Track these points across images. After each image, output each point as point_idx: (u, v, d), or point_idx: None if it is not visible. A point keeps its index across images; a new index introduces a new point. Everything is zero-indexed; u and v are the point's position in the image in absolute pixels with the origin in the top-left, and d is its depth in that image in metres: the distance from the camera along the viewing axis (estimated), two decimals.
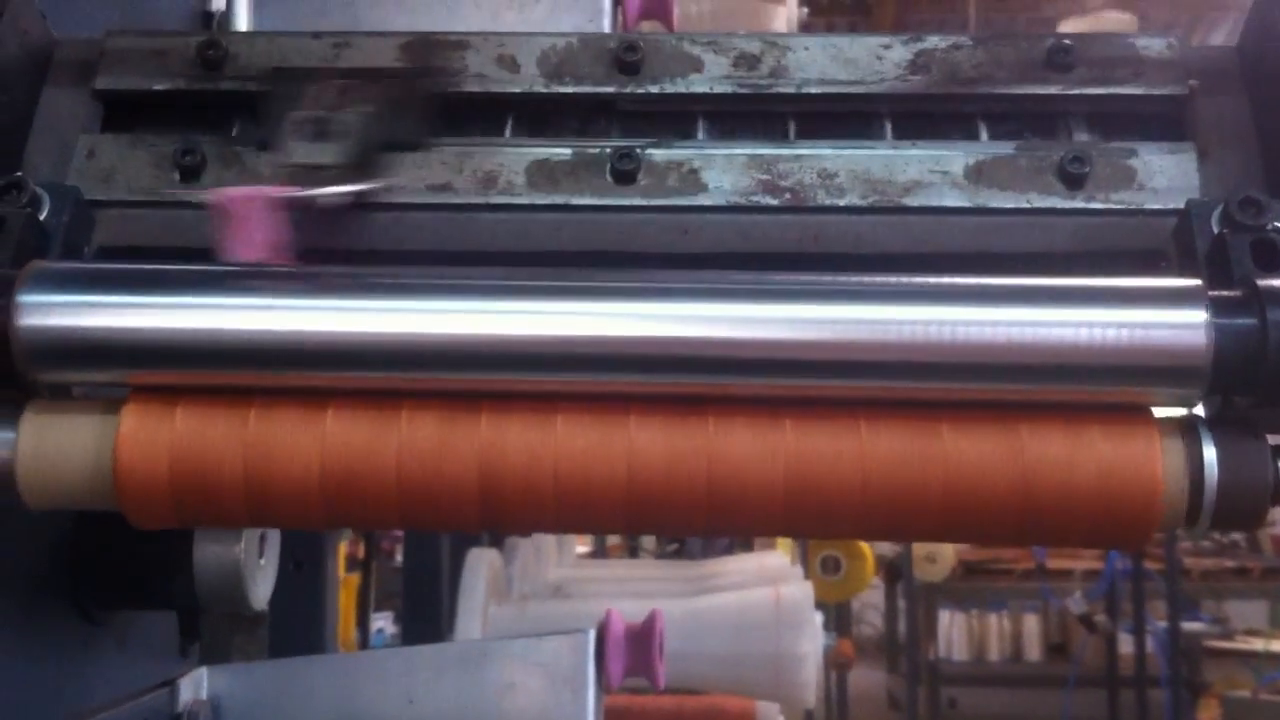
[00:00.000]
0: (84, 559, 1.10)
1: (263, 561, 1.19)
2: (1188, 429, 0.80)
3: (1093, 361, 0.76)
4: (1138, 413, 0.81)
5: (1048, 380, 0.78)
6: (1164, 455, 0.79)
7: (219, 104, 0.98)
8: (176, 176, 0.93)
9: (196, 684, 1.26)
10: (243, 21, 1.30)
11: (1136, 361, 0.76)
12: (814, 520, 0.81)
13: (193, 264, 0.84)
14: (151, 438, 0.80)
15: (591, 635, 1.32)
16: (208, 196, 0.85)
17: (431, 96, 0.95)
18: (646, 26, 1.68)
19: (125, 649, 1.18)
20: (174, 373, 0.81)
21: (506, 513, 0.81)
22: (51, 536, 1.08)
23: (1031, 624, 8.19)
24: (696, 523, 0.82)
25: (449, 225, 0.92)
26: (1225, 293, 0.78)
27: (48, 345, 0.79)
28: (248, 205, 0.83)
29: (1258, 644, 6.87)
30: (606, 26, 1.38)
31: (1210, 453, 0.79)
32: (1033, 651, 8.20)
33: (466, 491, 0.80)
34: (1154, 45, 0.96)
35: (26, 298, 0.79)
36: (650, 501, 0.81)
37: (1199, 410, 0.83)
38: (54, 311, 0.79)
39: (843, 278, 0.82)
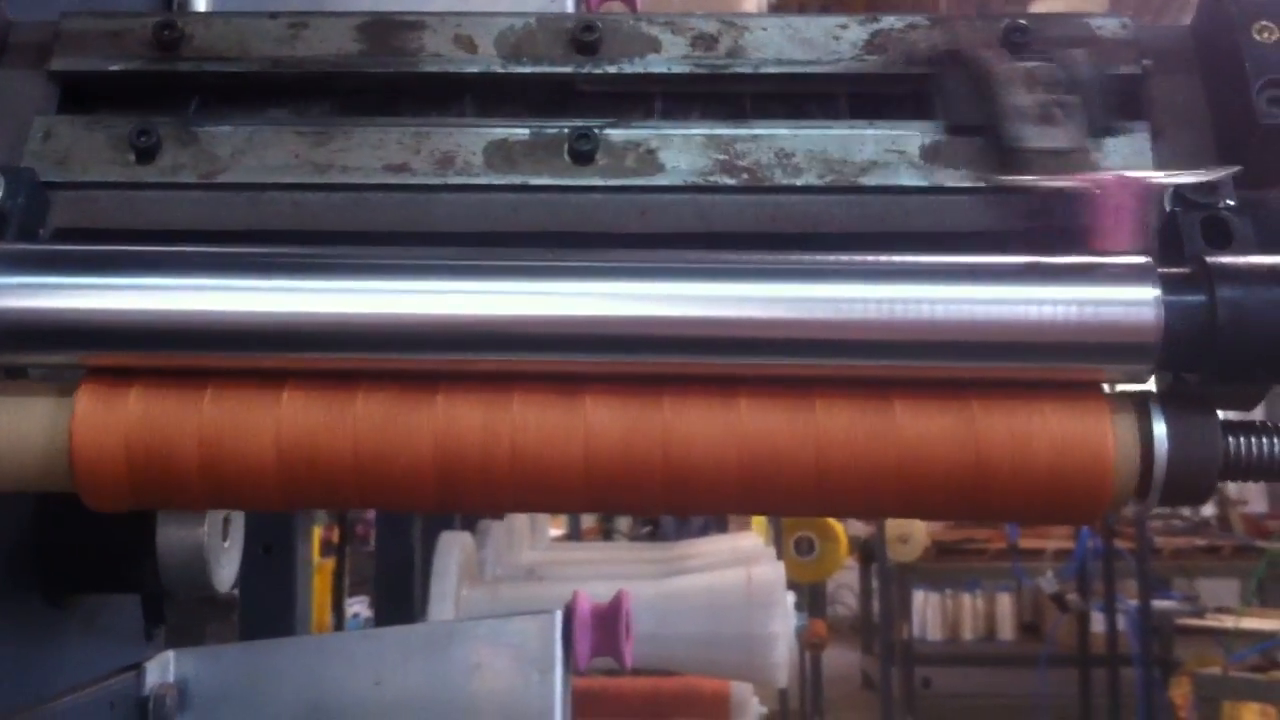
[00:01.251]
0: (47, 542, 1.09)
1: (227, 544, 1.19)
2: (1139, 405, 0.81)
3: (1043, 338, 0.77)
4: (1088, 389, 0.82)
5: (999, 357, 0.79)
6: (1114, 431, 0.79)
7: (176, 85, 0.97)
8: (132, 158, 0.92)
9: (163, 667, 1.26)
10: (201, 2, 1.29)
11: (1087, 338, 0.77)
12: (769, 497, 0.82)
13: (149, 246, 0.84)
14: (107, 419, 0.80)
15: (559, 616, 1.32)
16: (1077, 183, 0.84)
17: (1113, 79, 0.93)
18: (617, 8, 1.68)
19: (91, 633, 1.18)
20: (130, 354, 0.81)
21: (463, 492, 0.82)
22: (14, 520, 1.07)
23: (1005, 603, 8.25)
24: (654, 501, 0.83)
25: (406, 206, 0.92)
26: (1174, 269, 0.78)
27: (2, 327, 0.79)
28: (1126, 191, 0.82)
29: (1229, 622, 6.91)
30: (570, 7, 1.38)
31: (1160, 428, 0.80)
32: (1006, 631, 8.26)
33: (422, 471, 0.81)
34: (1109, 25, 0.96)
35: None
36: (607, 480, 0.81)
37: (1151, 386, 0.84)
38: (8, 293, 0.79)
39: (799, 257, 0.82)
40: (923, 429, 0.80)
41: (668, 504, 0.83)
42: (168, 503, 0.83)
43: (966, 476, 0.79)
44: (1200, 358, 0.77)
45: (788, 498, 0.82)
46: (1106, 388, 0.83)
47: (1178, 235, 0.82)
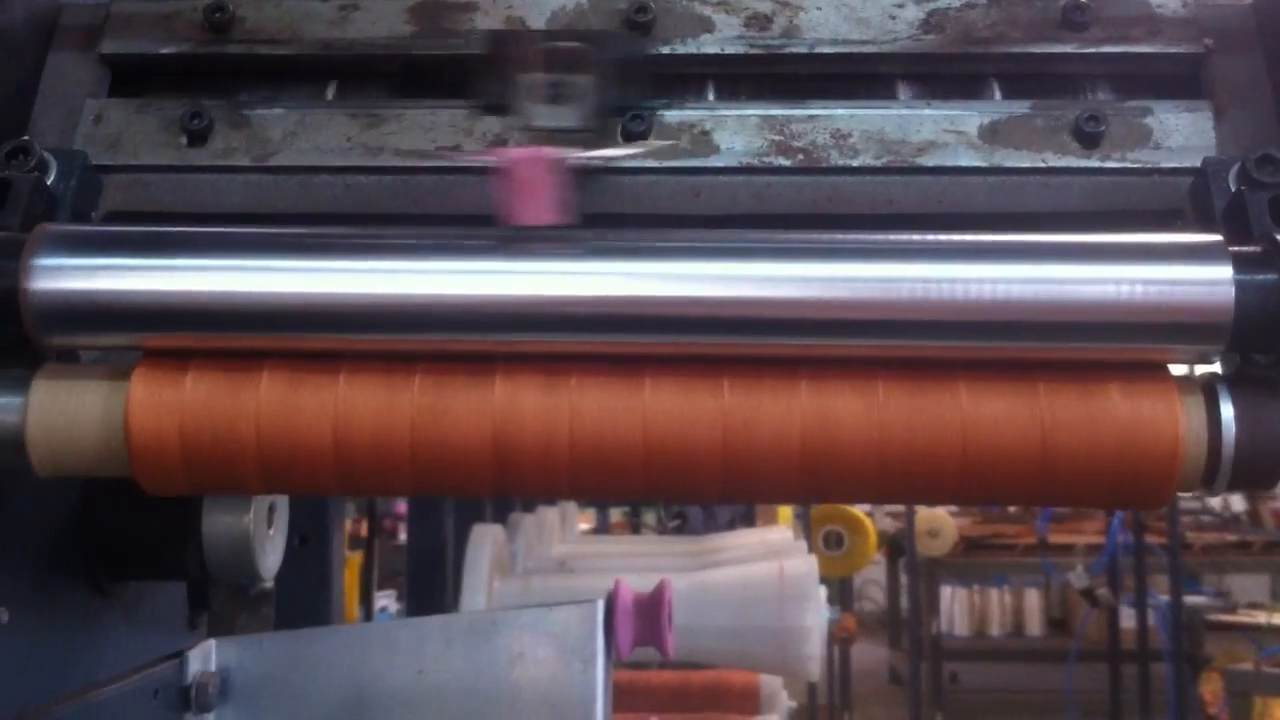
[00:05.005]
0: (94, 531, 1.09)
1: (271, 532, 1.19)
2: (1206, 388, 0.79)
3: (1114, 318, 0.76)
4: (1155, 371, 0.80)
5: (1068, 338, 0.77)
6: (1183, 414, 0.78)
7: (227, 68, 0.97)
8: (184, 141, 0.92)
9: (205, 656, 1.26)
10: None
11: (1159, 318, 0.76)
12: (831, 482, 0.80)
13: (202, 227, 0.83)
14: (163, 402, 0.80)
15: (601, 605, 1.31)
16: (490, 158, 0.83)
17: (646, 59, 0.94)
18: None
19: (135, 621, 1.18)
20: (186, 336, 0.81)
21: (521, 476, 0.81)
22: (62, 509, 1.07)
23: (1033, 599, 8.20)
24: (713, 486, 0.81)
25: (458, 188, 0.92)
26: (1246, 249, 0.77)
27: (59, 309, 0.78)
28: (533, 167, 0.82)
29: (1260, 617, 6.87)
30: None
31: (1228, 411, 0.78)
32: (1034, 626, 8.22)
33: (481, 454, 0.80)
34: (1169, 4, 0.95)
35: (37, 261, 0.78)
36: (666, 464, 0.80)
37: (1216, 368, 0.82)
38: (64, 275, 0.78)
39: (858, 236, 0.81)
40: (988, 411, 0.78)
41: (727, 489, 0.81)
42: (223, 486, 0.83)
43: (1032, 459, 0.78)
44: (1272, 338, 0.76)
45: (849, 482, 0.80)
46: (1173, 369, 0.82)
47: (1244, 215, 0.81)
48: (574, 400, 0.80)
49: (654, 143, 0.90)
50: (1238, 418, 0.78)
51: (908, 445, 0.79)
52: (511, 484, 0.81)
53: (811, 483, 0.81)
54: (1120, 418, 0.78)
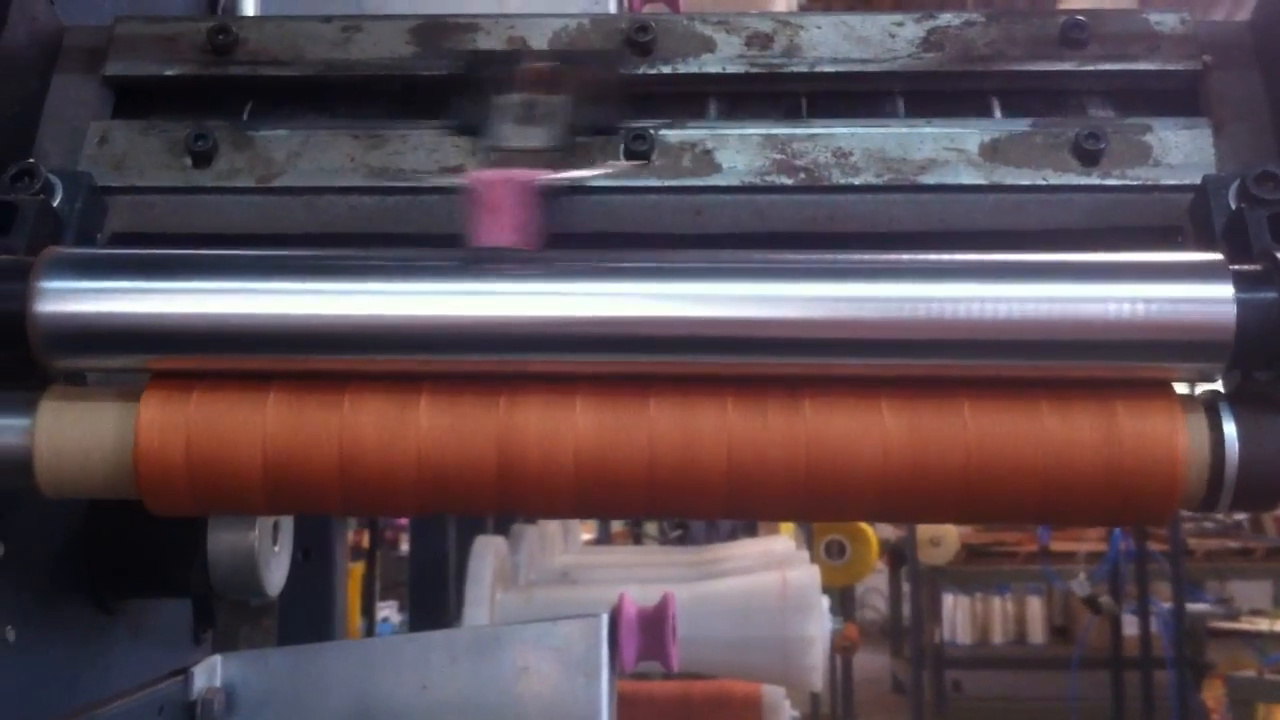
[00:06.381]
0: (98, 548, 1.10)
1: (276, 548, 1.19)
2: (1209, 405, 0.80)
3: (1116, 337, 0.76)
4: (1158, 388, 0.80)
5: (1070, 356, 0.77)
6: (1185, 432, 0.78)
7: (230, 89, 0.97)
8: (188, 162, 0.92)
9: (210, 672, 1.26)
10: (249, 6, 1.29)
11: (1160, 337, 0.76)
12: (835, 501, 0.81)
13: (207, 249, 0.84)
14: (170, 424, 0.80)
15: (605, 619, 1.32)
16: (463, 180, 0.84)
17: (623, 81, 0.94)
18: (659, 9, 1.67)
19: (139, 637, 1.18)
20: (193, 358, 0.81)
21: (526, 495, 0.81)
22: (66, 526, 1.07)
23: (1035, 606, 8.20)
24: (717, 505, 0.82)
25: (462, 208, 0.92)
26: (1246, 267, 0.77)
27: (65, 332, 0.79)
28: (501, 189, 0.83)
29: (1262, 624, 6.87)
30: (613, 9, 1.38)
31: (1231, 429, 0.78)
32: (1037, 634, 8.21)
33: (485, 474, 0.80)
34: (1167, 21, 0.96)
35: (43, 284, 0.78)
36: (671, 483, 0.80)
37: (1218, 386, 0.82)
38: (71, 298, 0.79)
39: (861, 256, 0.81)
40: (992, 431, 0.78)
41: (731, 508, 0.82)
42: (230, 507, 0.83)
43: (1036, 478, 0.78)
44: (1273, 356, 0.76)
45: (853, 501, 0.80)
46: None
47: (1244, 232, 0.81)
48: (578, 420, 0.80)
49: (619, 163, 0.90)
50: (1240, 435, 0.78)
51: (912, 464, 0.79)
52: (516, 504, 0.82)
53: (815, 501, 0.81)
54: (1123, 436, 0.78)
